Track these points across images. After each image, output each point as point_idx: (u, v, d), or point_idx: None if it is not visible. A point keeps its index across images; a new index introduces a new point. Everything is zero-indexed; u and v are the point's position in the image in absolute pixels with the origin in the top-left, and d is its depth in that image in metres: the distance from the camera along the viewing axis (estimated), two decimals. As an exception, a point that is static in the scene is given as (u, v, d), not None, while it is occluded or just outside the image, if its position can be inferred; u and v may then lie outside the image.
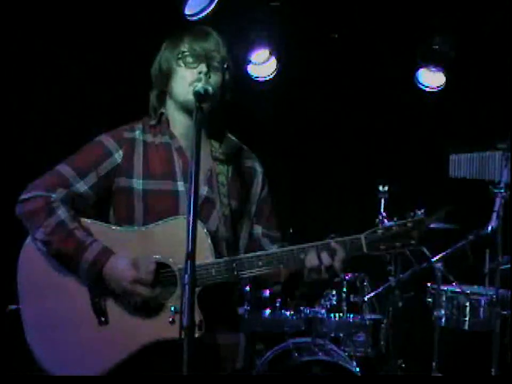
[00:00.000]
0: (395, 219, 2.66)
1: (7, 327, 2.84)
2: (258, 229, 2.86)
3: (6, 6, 4.70)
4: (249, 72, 6.02)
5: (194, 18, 4.78)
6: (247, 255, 2.64)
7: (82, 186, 2.69)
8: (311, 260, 2.58)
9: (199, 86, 2.62)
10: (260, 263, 2.59)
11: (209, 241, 2.58)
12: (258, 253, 2.63)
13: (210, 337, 2.61)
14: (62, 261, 2.64)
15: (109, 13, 5.09)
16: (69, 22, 5.03)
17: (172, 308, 2.53)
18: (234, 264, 2.58)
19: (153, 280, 2.58)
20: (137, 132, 2.77)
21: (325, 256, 2.58)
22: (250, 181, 2.86)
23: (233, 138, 2.90)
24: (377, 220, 2.67)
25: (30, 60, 5.01)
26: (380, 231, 2.61)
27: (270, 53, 5.86)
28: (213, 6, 4.85)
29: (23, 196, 2.69)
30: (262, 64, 5.97)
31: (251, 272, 2.61)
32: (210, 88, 2.63)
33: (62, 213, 2.64)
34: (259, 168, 2.90)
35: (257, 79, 6.08)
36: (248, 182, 2.86)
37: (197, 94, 2.59)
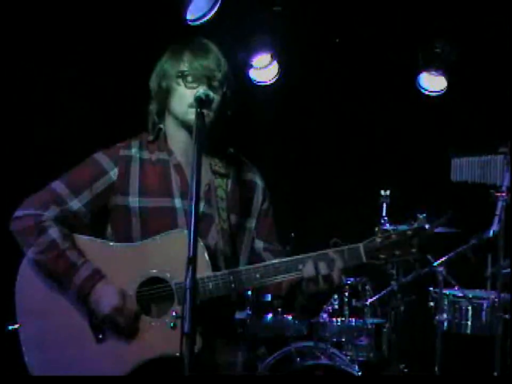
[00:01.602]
0: (396, 226, 2.60)
1: (8, 348, 2.83)
2: (259, 244, 2.83)
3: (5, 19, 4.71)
4: (251, 76, 6.02)
5: (196, 23, 4.78)
6: (245, 267, 2.62)
7: (76, 204, 2.68)
8: (308, 269, 2.55)
9: (200, 91, 2.61)
10: (258, 275, 2.57)
11: (206, 255, 2.56)
12: (255, 265, 2.61)
13: (206, 354, 2.59)
14: (53, 280, 2.64)
15: (109, 20, 5.10)
16: (68, 31, 5.03)
17: (174, 313, 2.52)
18: (231, 277, 2.56)
19: (135, 314, 2.57)
20: (133, 149, 2.76)
21: (322, 266, 2.55)
22: (250, 195, 2.84)
23: (235, 152, 2.88)
24: (376, 228, 2.61)
25: (28, 70, 4.99)
26: (378, 240, 2.57)
27: (272, 58, 5.86)
28: (214, 11, 4.85)
29: (17, 213, 2.69)
30: (264, 69, 5.97)
31: (249, 285, 2.59)
32: (211, 94, 2.62)
33: (53, 232, 2.63)
34: (260, 182, 2.88)
35: (259, 83, 6.08)
36: (248, 195, 2.83)
37: (198, 99, 2.58)
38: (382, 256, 2.57)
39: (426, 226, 2.58)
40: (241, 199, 2.81)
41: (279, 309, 5.15)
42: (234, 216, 2.76)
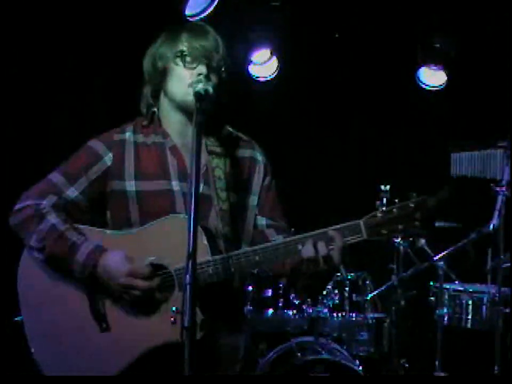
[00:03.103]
0: (396, 201, 2.52)
1: (14, 338, 2.84)
2: (262, 220, 2.79)
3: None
4: (250, 72, 6.02)
5: (195, 19, 4.78)
6: (243, 250, 2.58)
7: (73, 192, 2.68)
8: (307, 250, 2.50)
9: (199, 86, 2.57)
10: (257, 258, 2.52)
11: (205, 239, 2.53)
12: (254, 247, 2.57)
13: (209, 339, 2.56)
14: (57, 264, 2.63)
15: (108, 14, 5.10)
16: (67, 27, 5.03)
17: (173, 308, 2.51)
18: (230, 261, 2.53)
19: (150, 273, 2.54)
20: (127, 133, 2.74)
21: (321, 246, 2.49)
22: (250, 172, 2.80)
23: (231, 129, 2.84)
24: (377, 202, 2.55)
25: (24, 62, 4.98)
26: (379, 215, 2.49)
27: (271, 53, 5.86)
28: (213, 6, 4.85)
29: (16, 207, 2.69)
30: (263, 64, 5.97)
31: (249, 268, 2.56)
32: (210, 89, 2.59)
33: (52, 218, 2.63)
34: (260, 157, 2.83)
35: (259, 79, 6.08)
36: (248, 172, 2.79)
37: (197, 94, 2.55)
38: (384, 231, 2.50)
39: (428, 198, 2.52)
40: (241, 176, 2.77)
41: (280, 304, 5.15)
42: (234, 195, 2.72)
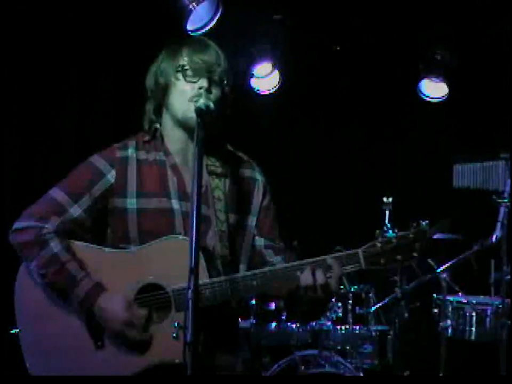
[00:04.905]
0: (396, 230, 2.54)
1: (10, 351, 2.83)
2: (260, 241, 2.78)
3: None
4: (252, 85, 6.03)
5: (197, 33, 4.79)
6: (242, 274, 2.58)
7: (76, 211, 2.65)
8: (305, 277, 2.50)
9: (201, 102, 2.57)
10: (255, 283, 2.52)
11: (203, 261, 2.51)
12: (253, 271, 2.57)
13: (205, 360, 2.54)
14: (56, 293, 2.62)
15: (111, 27, 5.13)
16: (70, 40, 5.06)
17: (176, 324, 2.49)
18: (228, 285, 2.52)
19: (145, 324, 2.54)
20: (130, 150, 2.72)
21: (319, 274, 2.50)
22: (250, 192, 2.79)
23: (231, 149, 2.83)
24: (377, 231, 2.57)
25: (26, 72, 5.00)
26: (379, 245, 2.51)
27: (273, 66, 5.87)
28: (215, 20, 4.87)
29: (16, 225, 2.66)
30: (265, 78, 5.98)
31: (246, 293, 2.56)
32: (211, 104, 2.58)
33: (55, 245, 2.60)
34: (259, 177, 2.83)
35: (260, 92, 6.09)
36: (247, 193, 2.79)
37: (198, 110, 2.55)
38: (382, 261, 2.52)
39: (427, 230, 2.53)
40: (240, 197, 2.76)
41: (283, 317, 5.15)
42: (233, 215, 2.72)
